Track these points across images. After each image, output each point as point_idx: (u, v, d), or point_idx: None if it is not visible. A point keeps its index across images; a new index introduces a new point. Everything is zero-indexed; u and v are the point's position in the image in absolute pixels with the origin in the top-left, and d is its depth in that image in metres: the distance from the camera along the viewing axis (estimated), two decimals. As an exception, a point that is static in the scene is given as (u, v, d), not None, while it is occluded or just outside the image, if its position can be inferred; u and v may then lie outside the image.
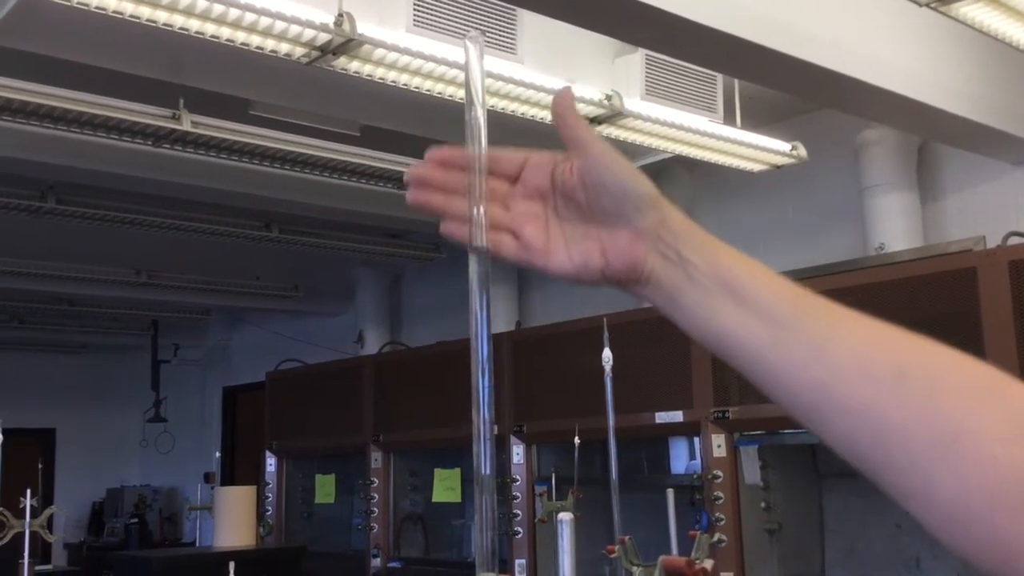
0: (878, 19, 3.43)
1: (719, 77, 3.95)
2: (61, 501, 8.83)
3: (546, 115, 3.64)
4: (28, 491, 3.70)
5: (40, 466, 7.49)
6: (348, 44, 2.92)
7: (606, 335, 2.70)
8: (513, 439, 4.90)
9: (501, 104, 3.48)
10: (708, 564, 2.01)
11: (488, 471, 0.67)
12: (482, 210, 0.72)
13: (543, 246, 0.73)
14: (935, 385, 0.60)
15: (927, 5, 2.95)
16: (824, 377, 0.62)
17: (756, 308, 0.66)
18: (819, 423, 0.63)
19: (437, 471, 5.57)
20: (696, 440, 4.31)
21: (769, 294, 0.66)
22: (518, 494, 4.87)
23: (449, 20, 3.11)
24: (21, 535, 3.69)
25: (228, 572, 4.11)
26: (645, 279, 0.70)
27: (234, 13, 2.71)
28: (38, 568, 4.87)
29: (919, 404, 0.59)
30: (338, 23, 2.83)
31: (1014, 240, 3.79)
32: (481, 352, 0.70)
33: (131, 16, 2.67)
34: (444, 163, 0.73)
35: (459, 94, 3.30)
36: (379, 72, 3.13)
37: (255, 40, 2.85)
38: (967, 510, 0.56)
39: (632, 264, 0.70)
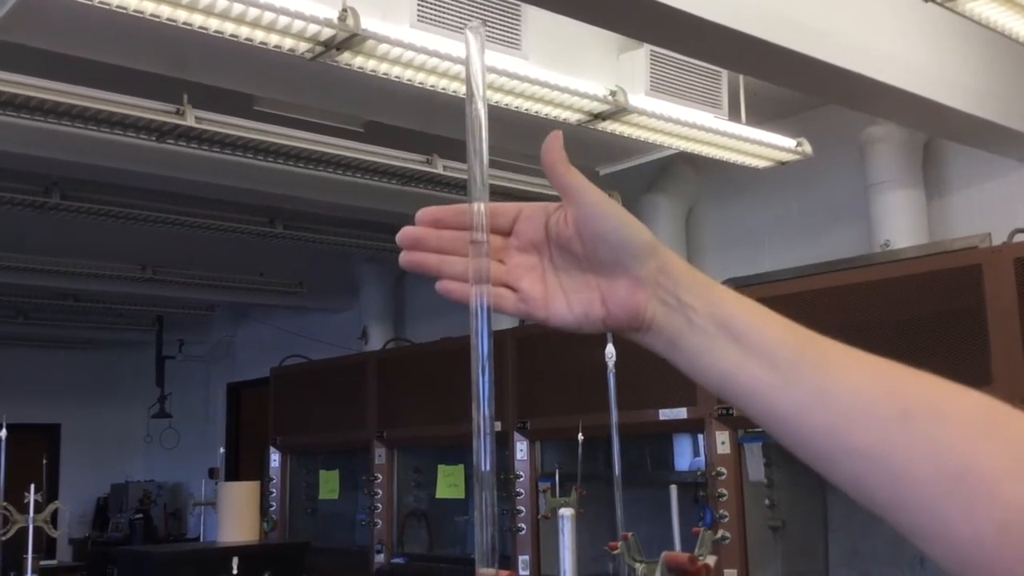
0: (884, 15, 3.42)
1: (724, 73, 3.94)
2: (66, 496, 8.85)
3: (550, 111, 3.64)
4: (32, 486, 3.71)
5: (45, 462, 7.50)
6: (352, 39, 2.91)
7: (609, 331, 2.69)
8: (517, 436, 4.90)
9: (505, 100, 3.47)
10: (711, 560, 2.00)
11: (488, 468, 0.67)
12: (483, 208, 0.71)
13: (542, 297, 0.72)
14: (938, 422, 0.60)
15: (933, 0, 2.93)
16: (830, 420, 0.62)
17: (758, 352, 0.65)
18: (827, 465, 0.63)
19: (440, 467, 5.57)
20: (700, 437, 4.31)
21: (770, 337, 0.66)
22: (521, 491, 4.87)
23: (453, 15, 3.10)
24: (25, 530, 3.69)
25: (231, 567, 4.12)
26: (647, 326, 0.70)
27: (238, 8, 2.71)
28: (42, 563, 4.88)
29: (925, 442, 0.59)
30: (342, 18, 2.83)
31: (1020, 237, 3.77)
32: (481, 349, 0.69)
33: (135, 11, 2.66)
34: (436, 222, 0.73)
35: (463, 90, 3.28)
36: (383, 67, 3.13)
37: (259, 35, 2.85)
38: (980, 549, 0.56)
39: (633, 312, 0.69)
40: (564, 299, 0.72)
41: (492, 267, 0.72)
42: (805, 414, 0.63)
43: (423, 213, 0.73)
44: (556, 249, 0.72)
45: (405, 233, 0.73)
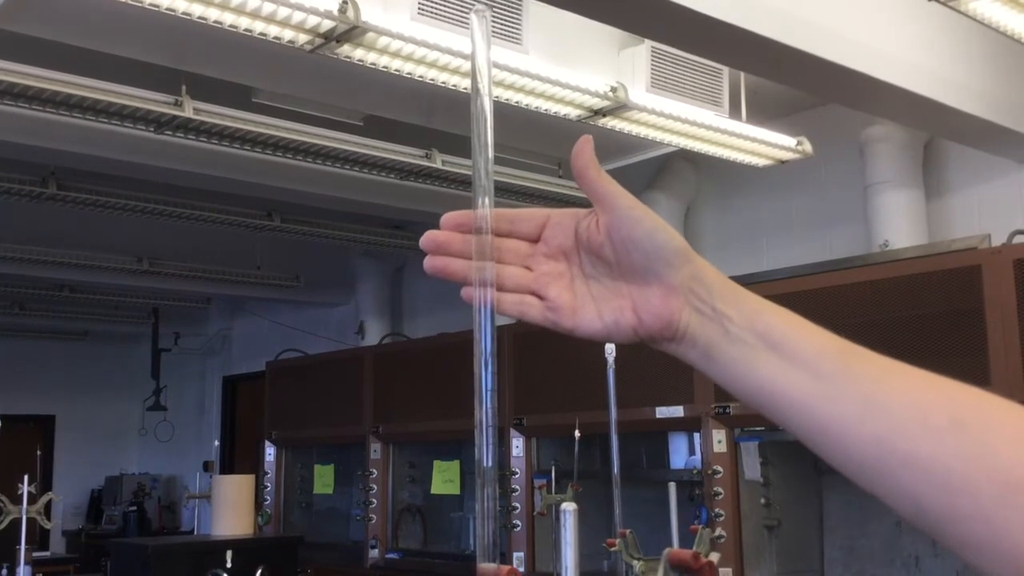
0: (886, 14, 3.40)
1: (725, 70, 3.93)
2: (60, 488, 8.82)
3: (551, 107, 3.62)
4: (26, 477, 3.70)
5: (39, 453, 7.47)
6: (352, 32, 2.89)
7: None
8: (513, 432, 4.89)
9: (506, 95, 3.46)
10: (714, 557, 1.99)
11: (490, 463, 0.66)
12: (487, 201, 0.70)
13: (570, 306, 0.70)
14: (992, 433, 0.59)
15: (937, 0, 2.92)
16: (882, 431, 0.60)
17: (801, 361, 0.64)
18: (877, 477, 0.61)
19: (436, 463, 5.56)
20: (696, 435, 4.30)
21: (813, 346, 0.64)
22: (517, 487, 4.86)
23: (454, 8, 3.09)
24: (18, 521, 3.68)
25: (225, 560, 4.10)
26: (680, 336, 0.67)
27: (237, -1, 2.69)
28: (35, 555, 4.87)
29: (978, 451, 0.58)
30: (342, 10, 2.81)
31: (1019, 239, 3.77)
32: (485, 344, 0.68)
33: (133, 1, 2.65)
34: (461, 226, 0.71)
35: (464, 84, 3.28)
36: (383, 61, 3.11)
37: (258, 26, 2.83)
38: None
39: (666, 321, 0.67)
40: (594, 307, 0.70)
41: (519, 274, 0.71)
42: (852, 424, 0.61)
43: (447, 217, 0.71)
44: (586, 256, 0.70)
45: (429, 237, 0.70)
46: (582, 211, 0.71)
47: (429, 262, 0.71)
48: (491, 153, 0.70)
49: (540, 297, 0.70)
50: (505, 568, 0.65)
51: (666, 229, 0.68)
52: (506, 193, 4.73)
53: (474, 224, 0.70)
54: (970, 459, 0.58)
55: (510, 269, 0.71)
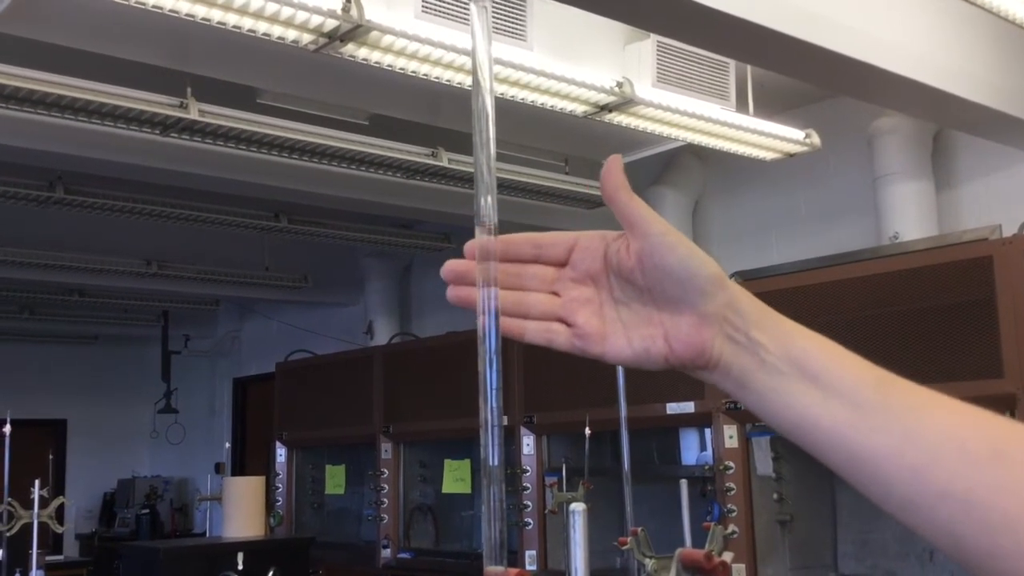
0: (894, 4, 3.38)
1: (731, 64, 3.91)
2: (72, 492, 8.86)
3: (556, 103, 3.61)
4: (37, 482, 3.70)
5: (51, 457, 7.50)
6: (356, 30, 2.88)
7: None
8: (523, 430, 4.88)
9: (510, 92, 3.44)
10: (727, 557, 1.98)
11: (496, 462, 0.65)
12: (491, 200, 0.68)
13: (599, 332, 0.68)
14: None
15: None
16: (920, 462, 0.59)
17: (837, 391, 0.62)
18: (915, 510, 0.59)
19: (447, 462, 5.56)
20: (707, 431, 4.29)
21: (850, 376, 0.62)
22: (528, 485, 4.85)
23: (458, 6, 3.07)
24: (30, 526, 3.68)
25: (237, 562, 4.10)
26: (713, 364, 0.66)
27: (240, -1, 2.69)
28: (48, 559, 4.88)
29: (1020, 484, 0.56)
30: (345, 9, 2.80)
31: (1031, 229, 3.74)
32: (489, 342, 0.67)
33: (137, 3, 2.64)
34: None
35: (468, 81, 3.26)
36: (387, 59, 3.10)
37: (262, 27, 2.82)
38: None
39: (698, 350, 0.65)
40: (623, 334, 0.67)
41: (545, 301, 0.69)
42: (891, 456, 0.60)
43: (470, 246, 0.68)
44: (615, 281, 0.68)
45: (449, 268, 0.69)
46: (611, 234, 0.69)
47: (452, 292, 0.69)
48: (493, 149, 0.69)
49: (567, 324, 0.68)
50: (513, 571, 0.64)
51: (700, 256, 0.65)
52: (513, 190, 4.72)
53: (475, 220, 0.68)
54: (1009, 492, 0.56)
55: (536, 296, 0.69)
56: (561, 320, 0.69)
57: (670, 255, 0.65)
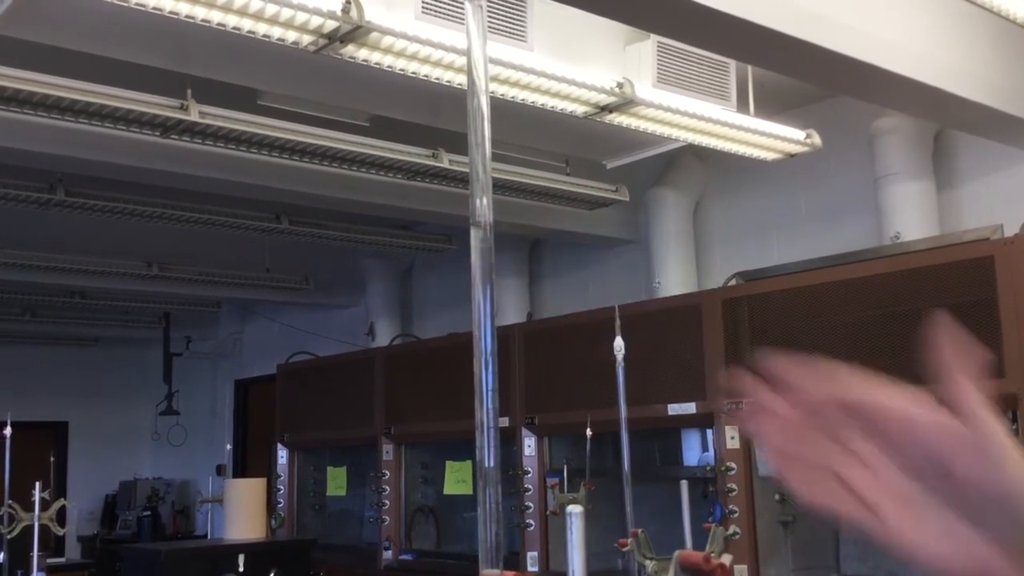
0: (894, 4, 3.37)
1: (732, 64, 3.90)
2: (74, 494, 8.86)
3: (557, 104, 3.60)
4: (38, 484, 3.70)
5: (52, 459, 7.50)
6: (356, 32, 2.88)
7: (618, 325, 2.67)
8: (524, 431, 4.87)
9: (511, 92, 3.44)
10: (726, 559, 1.97)
11: (492, 464, 0.64)
12: (486, 201, 0.68)
13: (897, 528, 0.59)
14: None
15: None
16: None
17: None
18: None
19: (448, 463, 5.55)
20: (709, 432, 4.28)
21: None
22: (530, 486, 4.84)
23: (458, 7, 3.07)
24: (31, 528, 3.68)
25: (238, 564, 4.10)
26: None
27: (240, 0, 2.68)
28: (50, 561, 4.88)
29: None
30: (345, 10, 2.80)
31: (1032, 228, 3.73)
32: (485, 344, 0.67)
33: (137, 5, 2.64)
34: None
35: (468, 82, 3.25)
36: (387, 60, 3.10)
37: (261, 28, 2.82)
38: None
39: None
40: (934, 540, 0.58)
41: (866, 479, 0.60)
42: None
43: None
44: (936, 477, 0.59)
45: (772, 445, 0.62)
46: (952, 423, 0.59)
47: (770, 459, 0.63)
48: (488, 149, 0.69)
49: (871, 511, 0.60)
50: (510, 574, 0.63)
51: None
52: (513, 191, 4.72)
53: (474, 219, 0.68)
54: None
55: (859, 472, 0.60)
56: (867, 506, 0.61)
57: (1010, 485, 0.57)
